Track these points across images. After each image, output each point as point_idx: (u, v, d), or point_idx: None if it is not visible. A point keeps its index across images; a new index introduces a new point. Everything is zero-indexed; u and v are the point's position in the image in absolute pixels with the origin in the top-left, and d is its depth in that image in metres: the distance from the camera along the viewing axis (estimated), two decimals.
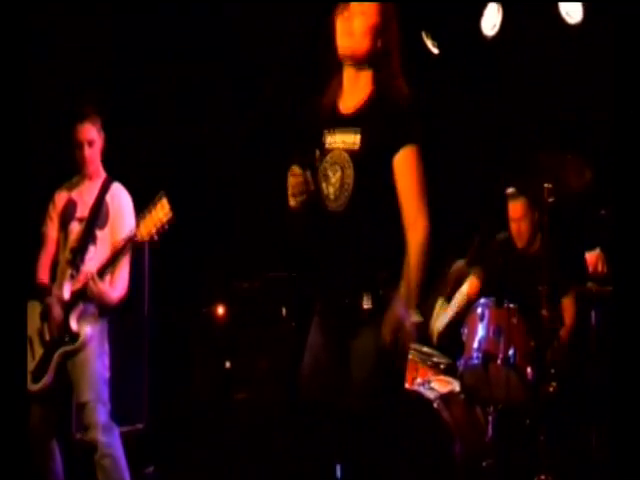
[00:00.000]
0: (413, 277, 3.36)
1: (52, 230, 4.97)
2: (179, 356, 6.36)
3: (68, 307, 4.73)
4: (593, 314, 5.38)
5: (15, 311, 3.35)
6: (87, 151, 4.88)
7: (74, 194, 4.97)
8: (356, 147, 3.45)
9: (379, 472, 3.36)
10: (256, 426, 6.11)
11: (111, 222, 4.86)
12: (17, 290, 3.37)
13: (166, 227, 4.50)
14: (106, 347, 4.83)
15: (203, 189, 6.41)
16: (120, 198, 4.94)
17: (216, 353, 6.40)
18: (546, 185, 5.21)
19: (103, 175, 4.99)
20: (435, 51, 6.46)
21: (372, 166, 3.43)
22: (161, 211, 4.50)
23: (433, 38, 6.44)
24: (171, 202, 4.50)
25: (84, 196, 4.95)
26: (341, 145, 3.49)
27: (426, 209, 3.41)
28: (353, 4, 3.43)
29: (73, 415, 5.07)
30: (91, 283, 4.65)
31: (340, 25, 3.45)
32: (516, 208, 5.59)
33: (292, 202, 3.52)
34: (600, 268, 5.29)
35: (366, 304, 3.39)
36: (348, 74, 3.54)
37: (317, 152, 3.53)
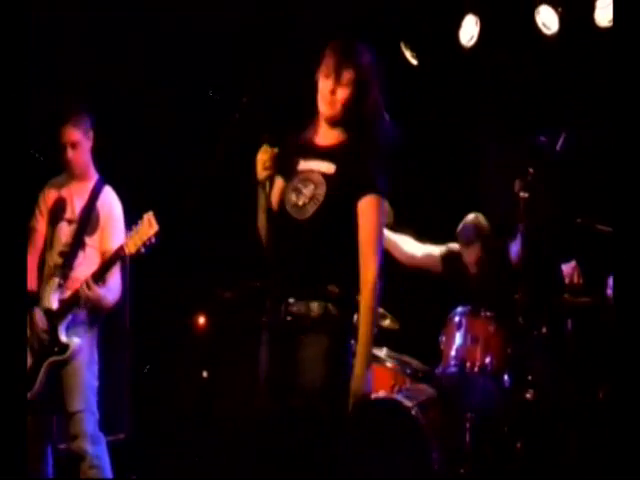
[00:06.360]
0: (365, 313, 3.57)
1: (41, 225, 4.94)
2: (161, 366, 6.39)
3: (57, 317, 4.73)
4: (569, 324, 5.42)
5: (15, 315, 3.34)
6: (70, 153, 4.85)
7: (64, 192, 4.94)
8: (331, 171, 3.67)
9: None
10: (237, 435, 6.14)
11: (100, 230, 4.86)
12: (16, 293, 3.36)
13: (153, 241, 4.55)
14: (95, 356, 4.84)
15: (184, 197, 6.43)
16: (111, 206, 4.92)
17: (197, 363, 6.42)
18: (518, 181, 5.21)
19: (94, 177, 4.96)
20: (414, 62, 6.52)
21: (343, 191, 3.64)
22: (148, 226, 4.54)
23: (412, 49, 6.49)
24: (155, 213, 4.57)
25: (74, 197, 4.92)
26: (315, 168, 3.71)
27: (379, 253, 3.62)
28: (336, 73, 3.65)
29: (57, 424, 5.02)
30: (86, 289, 4.66)
31: (322, 88, 3.69)
32: (471, 254, 5.67)
33: (260, 175, 3.70)
34: (576, 279, 5.33)
35: (314, 312, 3.57)
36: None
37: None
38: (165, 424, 6.35)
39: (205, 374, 6.31)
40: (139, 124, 6.24)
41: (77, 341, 4.72)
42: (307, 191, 3.66)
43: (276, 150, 3.69)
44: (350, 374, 3.57)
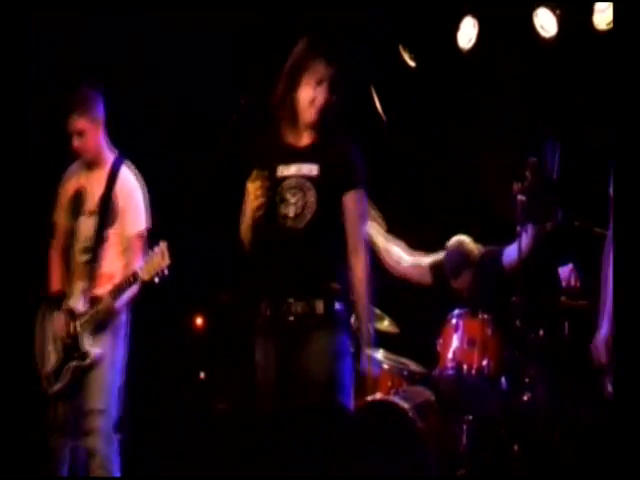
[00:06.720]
0: (361, 301, 3.68)
1: (63, 218, 4.90)
2: (159, 367, 6.38)
3: (81, 320, 4.71)
4: (566, 327, 5.43)
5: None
6: (76, 142, 4.80)
7: (82, 181, 4.89)
8: (314, 173, 3.68)
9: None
10: (235, 436, 6.14)
11: (121, 216, 4.81)
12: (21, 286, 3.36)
13: (166, 273, 4.56)
14: (122, 351, 4.82)
15: (182, 198, 6.44)
16: (130, 190, 4.85)
17: (195, 364, 6.42)
18: (516, 184, 5.20)
19: (109, 161, 4.87)
20: (412, 64, 6.53)
21: (331, 192, 3.68)
22: (161, 258, 4.55)
23: (410, 51, 6.50)
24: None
25: (93, 185, 4.86)
26: (297, 172, 3.70)
27: (366, 244, 3.75)
28: (330, 83, 3.66)
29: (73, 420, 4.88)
30: (103, 305, 4.67)
31: (312, 97, 3.67)
32: (462, 282, 5.64)
33: (255, 204, 3.66)
34: (573, 282, 5.33)
35: (319, 310, 3.64)
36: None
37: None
38: (162, 424, 6.34)
39: (202, 375, 6.30)
40: (138, 124, 6.23)
41: (98, 351, 4.70)
42: (296, 200, 3.67)
43: (266, 174, 3.66)
44: (351, 366, 3.66)
